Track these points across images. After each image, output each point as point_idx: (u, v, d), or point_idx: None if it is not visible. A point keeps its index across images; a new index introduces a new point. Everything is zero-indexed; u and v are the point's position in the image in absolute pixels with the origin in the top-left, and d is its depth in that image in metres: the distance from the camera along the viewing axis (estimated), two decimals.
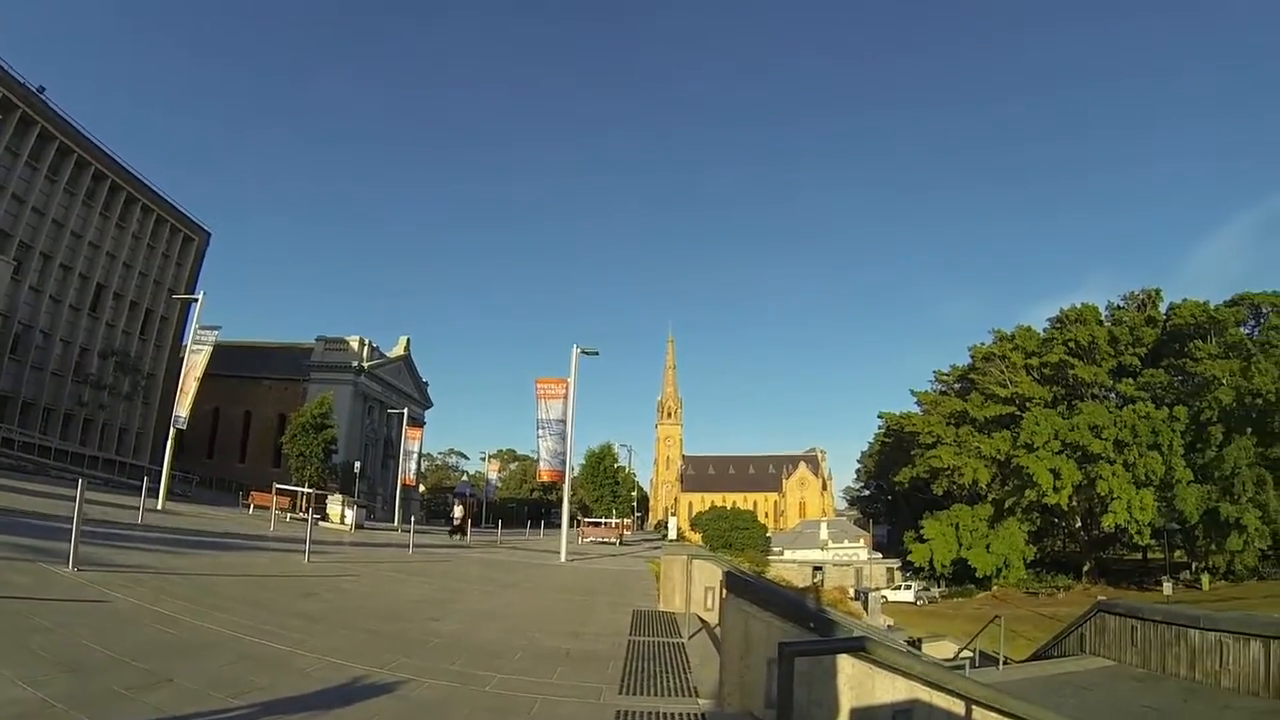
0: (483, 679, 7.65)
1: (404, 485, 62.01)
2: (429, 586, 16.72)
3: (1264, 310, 79.96)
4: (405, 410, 65.36)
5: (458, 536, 41.33)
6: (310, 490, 44.64)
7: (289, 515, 39.05)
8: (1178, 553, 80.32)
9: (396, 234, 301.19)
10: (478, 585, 18.39)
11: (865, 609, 55.76)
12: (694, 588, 12.64)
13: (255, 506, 42.16)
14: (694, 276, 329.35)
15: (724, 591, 7.52)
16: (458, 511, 45.48)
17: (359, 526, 40.85)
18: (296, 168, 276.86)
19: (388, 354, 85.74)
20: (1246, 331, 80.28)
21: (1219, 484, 70.49)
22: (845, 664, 6.48)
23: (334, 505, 42.06)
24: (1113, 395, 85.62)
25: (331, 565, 17.67)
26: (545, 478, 39.40)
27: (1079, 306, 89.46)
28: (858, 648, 4.71)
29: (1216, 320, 79.05)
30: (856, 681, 6.48)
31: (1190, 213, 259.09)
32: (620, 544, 51.76)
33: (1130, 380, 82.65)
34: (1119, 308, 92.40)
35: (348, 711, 5.88)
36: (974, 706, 7.31)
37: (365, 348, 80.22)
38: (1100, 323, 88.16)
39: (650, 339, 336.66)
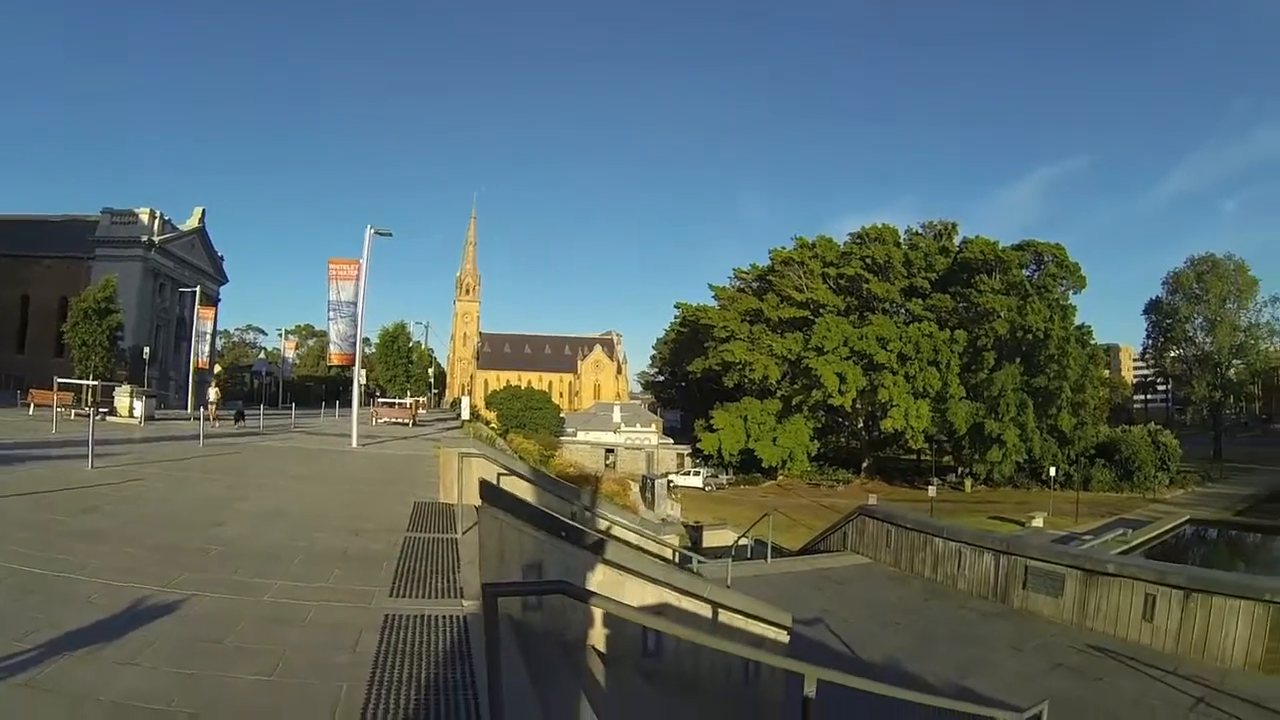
0: (262, 588, 7.59)
1: (198, 369, 58.90)
2: (216, 485, 16.02)
3: (1045, 258, 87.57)
4: (199, 288, 61.88)
5: (242, 423, 39.14)
6: (96, 383, 42.10)
7: (73, 412, 35.87)
8: (946, 458, 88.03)
9: (190, 101, 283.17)
10: (265, 480, 17.77)
11: (652, 497, 57.61)
12: (470, 481, 12.84)
13: (36, 405, 38.11)
14: (500, 152, 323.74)
15: (482, 502, 7.70)
16: (212, 394, 42.47)
17: (150, 418, 37.76)
18: (82, 20, 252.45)
19: (181, 227, 78.83)
20: (1027, 274, 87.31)
21: (987, 403, 78.03)
22: (598, 571, 6.87)
23: (122, 397, 38.60)
24: (902, 312, 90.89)
25: (117, 470, 16.58)
26: (336, 361, 37.81)
27: (880, 226, 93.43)
28: (558, 590, 5.03)
29: (1002, 259, 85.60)
30: (608, 587, 6.84)
31: (997, 162, 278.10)
32: (413, 424, 51.13)
33: (919, 301, 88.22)
34: (917, 234, 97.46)
35: (129, 639, 5.77)
36: (718, 609, 7.95)
37: (156, 221, 72.21)
38: (898, 245, 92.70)
39: (456, 215, 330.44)
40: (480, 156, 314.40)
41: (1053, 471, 73.53)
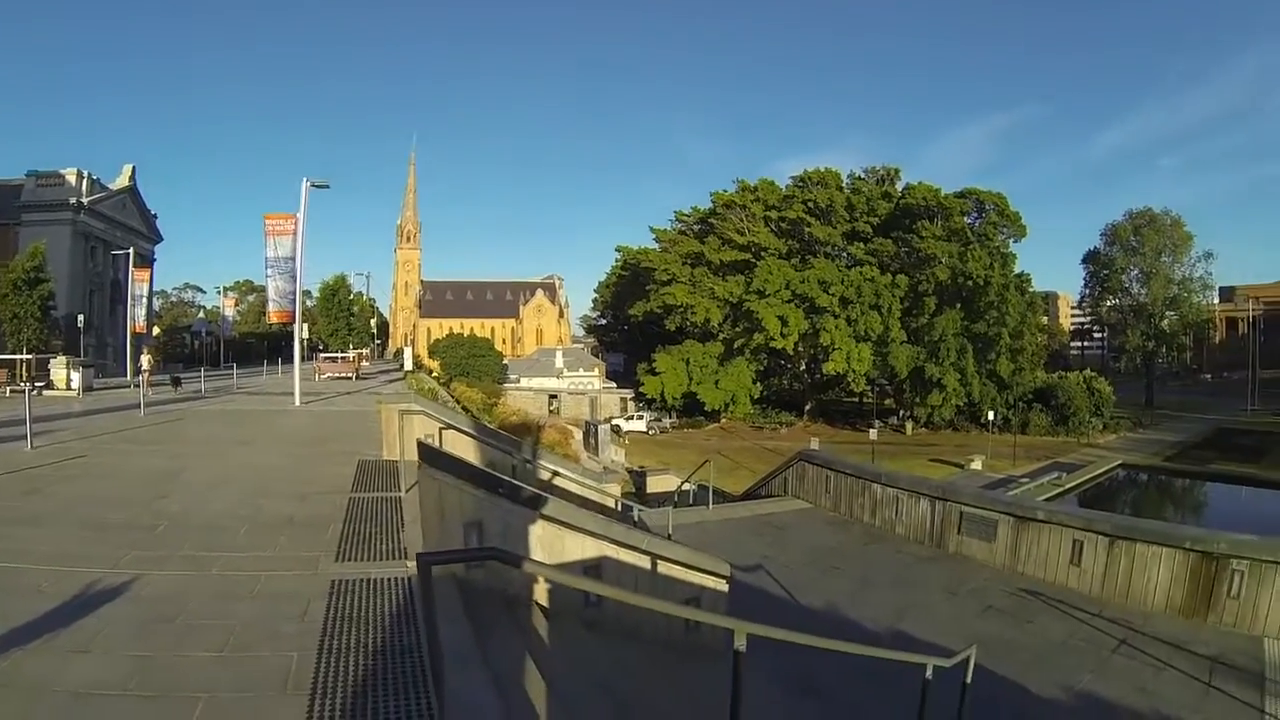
0: (210, 561, 7.52)
1: (135, 333, 56.75)
2: (159, 456, 15.59)
3: (987, 206, 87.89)
4: (132, 249, 59.91)
5: (180, 388, 37.15)
6: (30, 357, 40.79)
7: (8, 389, 34.33)
8: (888, 401, 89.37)
9: (113, 55, 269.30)
10: (208, 447, 17.50)
11: (595, 443, 57.73)
12: (411, 438, 12.80)
13: None
14: (439, 98, 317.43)
15: (420, 463, 7.71)
16: (145, 361, 39.64)
17: (88, 389, 36.23)
18: None
19: (110, 186, 75.10)
20: (969, 221, 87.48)
21: (927, 347, 79.28)
22: (537, 526, 6.95)
23: (58, 369, 36.80)
24: (844, 256, 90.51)
25: (57, 448, 16.04)
26: (275, 319, 36.80)
27: (823, 170, 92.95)
28: (489, 558, 5.11)
29: (944, 206, 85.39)
30: (548, 542, 6.94)
31: (940, 109, 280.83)
32: (357, 378, 50.63)
33: (861, 245, 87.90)
34: (860, 178, 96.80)
35: (82, 626, 5.70)
36: (657, 560, 8.09)
37: (85, 181, 68.52)
38: (840, 189, 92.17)
39: (396, 163, 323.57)
40: (418, 104, 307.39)
41: (991, 415, 74.97)
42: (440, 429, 14.94)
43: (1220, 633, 11.62)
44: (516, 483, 7.58)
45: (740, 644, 4.71)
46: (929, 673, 7.31)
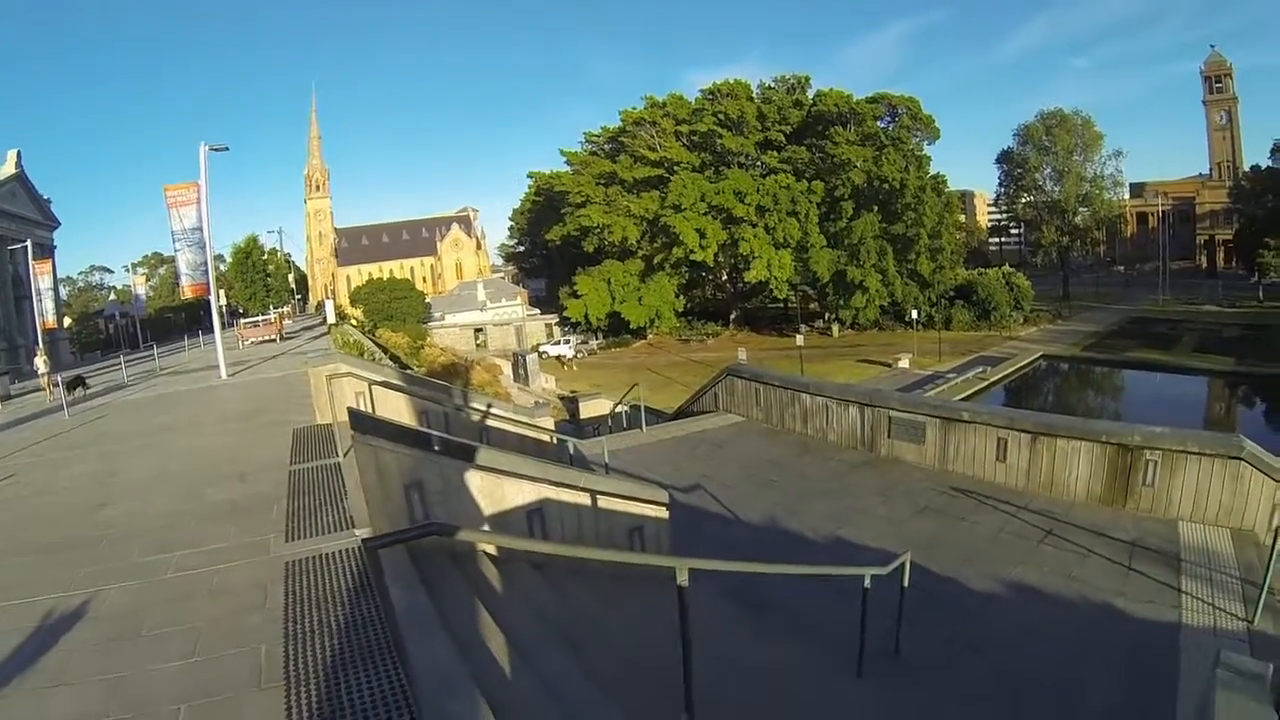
0: (162, 565, 7.31)
1: (45, 330, 52.22)
2: (92, 460, 14.77)
3: (899, 110, 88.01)
4: (29, 241, 57.04)
5: (79, 391, 33.66)
6: None
7: None
8: (812, 305, 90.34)
9: None
10: (140, 440, 16.63)
11: (525, 374, 57.59)
12: (342, 399, 12.68)
13: None
14: (334, 38, 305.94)
15: (353, 430, 7.65)
16: (39, 363, 35.32)
17: (7, 398, 33.81)
18: None
19: None
20: (882, 125, 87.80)
21: (848, 250, 79.85)
22: (475, 477, 7.00)
23: None
24: (758, 165, 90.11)
25: None
26: (190, 294, 35.35)
27: (732, 81, 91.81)
28: (429, 534, 5.19)
29: (856, 112, 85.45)
30: (488, 492, 7.01)
31: (848, 15, 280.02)
32: (281, 339, 49.57)
33: (775, 154, 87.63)
34: (770, 88, 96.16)
35: (48, 658, 5.55)
36: (596, 496, 8.23)
37: None
38: (751, 99, 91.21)
39: (297, 113, 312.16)
40: (312, 44, 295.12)
41: (915, 314, 76.64)
42: (371, 385, 14.77)
43: (1137, 519, 12.38)
44: (449, 437, 7.59)
45: (683, 580, 4.85)
46: (867, 582, 7.60)
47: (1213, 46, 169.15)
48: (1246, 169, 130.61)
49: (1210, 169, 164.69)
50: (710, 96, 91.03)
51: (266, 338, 50.24)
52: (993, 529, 12.36)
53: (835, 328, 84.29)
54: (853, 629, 7.72)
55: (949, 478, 14.79)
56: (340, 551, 6.94)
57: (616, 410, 27.80)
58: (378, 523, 7.02)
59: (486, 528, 6.97)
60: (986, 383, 51.88)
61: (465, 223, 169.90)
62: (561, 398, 48.23)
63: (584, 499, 8.04)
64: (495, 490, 7.10)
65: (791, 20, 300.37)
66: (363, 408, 13.22)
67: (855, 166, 79.68)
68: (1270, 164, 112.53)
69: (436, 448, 7.07)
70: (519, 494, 7.34)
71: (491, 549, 6.88)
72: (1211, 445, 12.16)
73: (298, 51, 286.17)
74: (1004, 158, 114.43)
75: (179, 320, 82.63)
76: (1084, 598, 10.03)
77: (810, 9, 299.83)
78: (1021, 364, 60.71)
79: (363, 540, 4.46)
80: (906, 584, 8.52)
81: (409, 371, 28.20)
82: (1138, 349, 69.37)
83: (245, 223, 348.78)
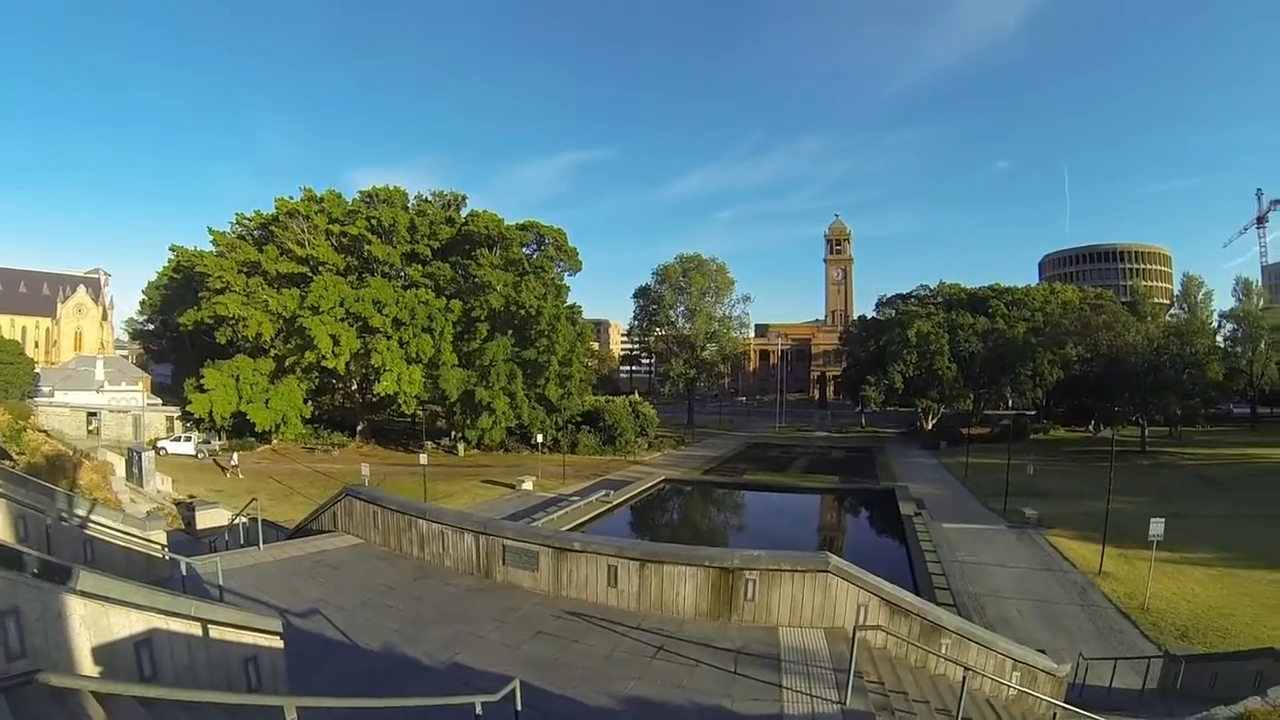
0: None
1: None
2: None
3: (546, 239, 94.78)
4: None
5: None
6: None
7: None
8: (440, 422, 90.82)
9: None
10: None
11: (139, 473, 53.09)
12: None
13: None
14: None
15: None
16: None
17: None
18: None
19: None
20: (528, 252, 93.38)
21: (479, 371, 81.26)
22: (78, 605, 6.63)
23: None
24: (401, 276, 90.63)
25: None
26: None
27: (391, 188, 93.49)
28: (27, 683, 5.04)
29: (505, 236, 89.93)
30: (93, 621, 6.69)
31: (523, 137, 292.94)
32: None
33: (419, 267, 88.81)
34: (426, 201, 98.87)
35: None
36: (208, 626, 8.06)
37: None
38: (406, 208, 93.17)
39: None
40: None
41: (541, 437, 79.91)
42: None
43: (742, 629, 14.12)
44: (48, 558, 7.07)
45: (292, 717, 4.99)
46: (479, 709, 7.99)
47: (837, 215, 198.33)
48: (855, 318, 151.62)
49: (826, 315, 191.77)
50: (367, 199, 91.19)
51: None
52: (607, 649, 13.24)
53: (461, 446, 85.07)
54: None
55: (563, 603, 15.65)
56: None
57: (235, 521, 26.57)
58: None
59: (90, 663, 6.64)
60: (609, 505, 54.18)
61: (94, 286, 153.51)
62: (178, 503, 44.95)
63: (195, 628, 7.82)
64: (101, 619, 6.72)
65: (468, 134, 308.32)
66: None
67: (495, 290, 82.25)
68: (874, 315, 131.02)
69: (35, 570, 6.56)
70: (126, 624, 6.98)
71: (95, 686, 6.51)
72: (803, 563, 14.37)
73: None
74: (641, 293, 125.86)
75: None
76: (694, 703, 11.10)
77: (487, 127, 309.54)
78: (644, 487, 64.17)
79: None
80: (520, 707, 9.00)
81: (6, 464, 25.47)
82: (755, 471, 77.13)
83: None
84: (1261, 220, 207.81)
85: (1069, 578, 37.55)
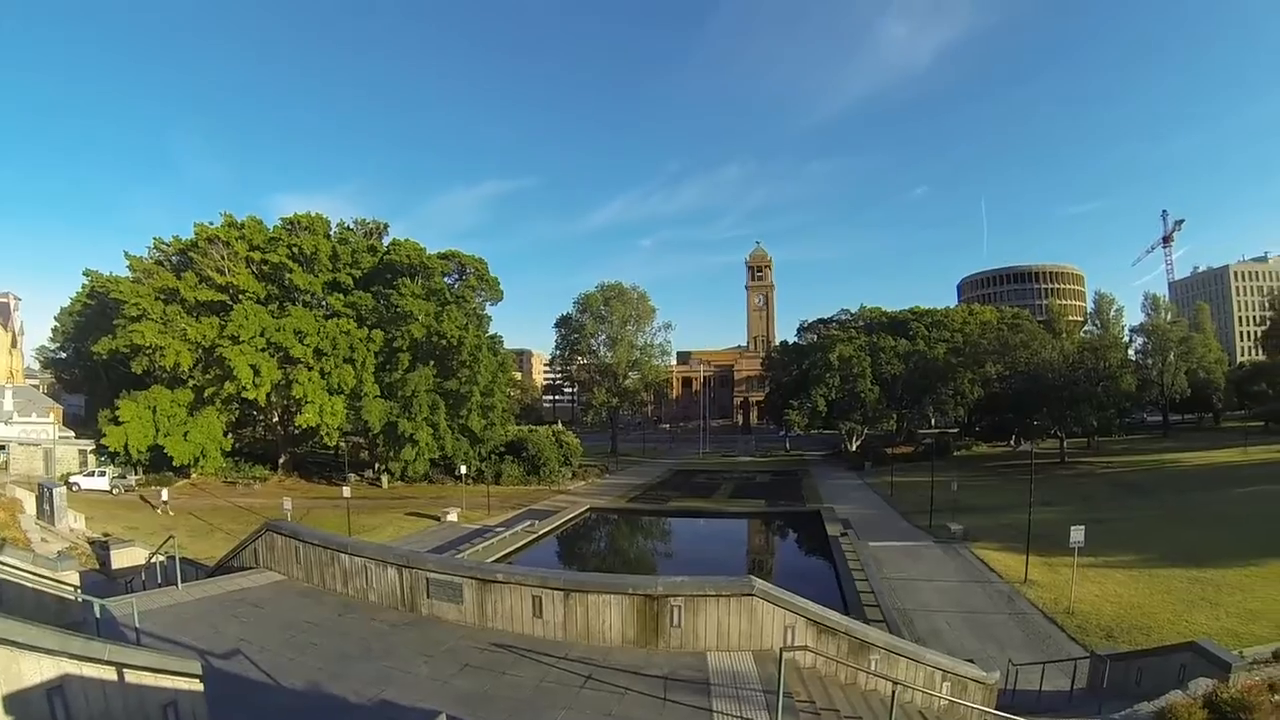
0: None
1: None
2: None
3: (468, 269, 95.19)
4: None
5: None
6: None
7: None
8: (364, 454, 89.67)
9: None
10: None
11: (51, 510, 51.43)
12: None
13: None
14: None
15: None
16: None
17: None
18: None
19: None
20: (449, 281, 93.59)
21: (401, 402, 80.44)
22: None
23: None
24: (323, 306, 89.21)
25: None
26: None
27: (313, 216, 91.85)
28: None
29: (427, 266, 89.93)
30: (2, 668, 6.52)
31: (446, 165, 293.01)
32: None
33: (341, 296, 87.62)
34: (348, 229, 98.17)
35: None
36: (124, 670, 7.89)
37: None
38: (328, 237, 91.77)
39: None
40: None
41: (465, 469, 78.88)
42: None
43: (670, 655, 14.21)
44: None
45: None
46: None
47: (758, 242, 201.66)
48: (778, 343, 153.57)
49: (748, 342, 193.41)
50: (289, 227, 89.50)
51: None
52: (535, 679, 13.17)
53: (385, 479, 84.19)
54: None
55: (490, 634, 15.55)
56: None
57: (153, 560, 25.88)
58: None
59: (1, 713, 6.46)
60: (535, 536, 53.97)
61: (3, 311, 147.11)
62: (91, 542, 43.57)
63: (110, 673, 7.64)
64: (11, 665, 6.51)
65: (391, 162, 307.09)
66: None
67: (417, 320, 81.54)
68: (796, 340, 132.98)
69: None
70: (37, 670, 6.78)
71: None
72: (727, 588, 14.53)
73: None
74: (562, 322, 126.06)
75: None
76: None
77: (410, 155, 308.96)
78: (570, 516, 64.10)
79: None
80: None
81: None
82: (681, 498, 77.51)
83: None
84: (1167, 239, 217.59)
85: (996, 588, 38.49)
